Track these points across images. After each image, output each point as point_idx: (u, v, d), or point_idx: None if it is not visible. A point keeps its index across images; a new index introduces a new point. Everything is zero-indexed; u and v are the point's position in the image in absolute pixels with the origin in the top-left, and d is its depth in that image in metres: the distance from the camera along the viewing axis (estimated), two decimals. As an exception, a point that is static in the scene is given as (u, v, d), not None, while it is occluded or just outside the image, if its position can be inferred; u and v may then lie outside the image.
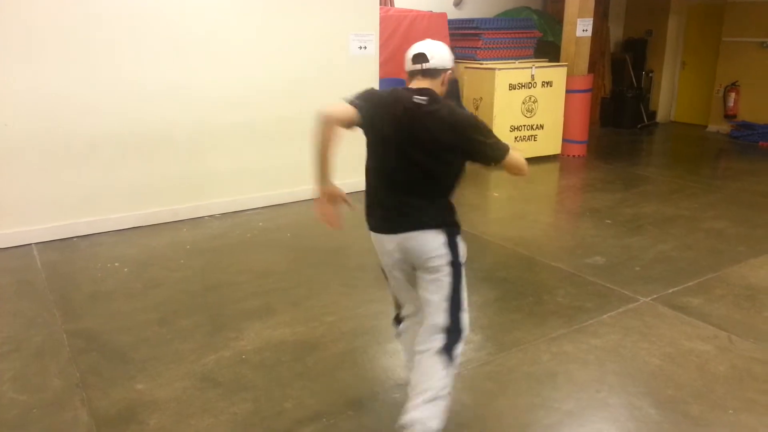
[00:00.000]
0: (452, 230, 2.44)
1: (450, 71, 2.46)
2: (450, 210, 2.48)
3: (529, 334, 3.42)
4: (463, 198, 6.24)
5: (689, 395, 2.87)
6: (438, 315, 2.39)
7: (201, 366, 3.11)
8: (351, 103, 2.35)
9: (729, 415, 2.73)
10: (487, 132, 2.35)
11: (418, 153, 2.32)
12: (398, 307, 2.67)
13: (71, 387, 2.95)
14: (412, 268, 2.46)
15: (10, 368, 3.10)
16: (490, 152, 2.37)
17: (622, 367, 3.10)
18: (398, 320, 2.71)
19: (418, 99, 2.32)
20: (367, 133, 2.42)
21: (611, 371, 3.06)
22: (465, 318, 2.48)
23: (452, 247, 2.42)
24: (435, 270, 2.40)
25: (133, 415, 2.74)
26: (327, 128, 2.31)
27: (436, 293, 2.40)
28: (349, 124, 2.33)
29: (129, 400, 2.84)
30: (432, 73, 2.39)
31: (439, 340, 2.38)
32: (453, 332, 2.40)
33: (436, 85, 2.40)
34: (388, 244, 2.43)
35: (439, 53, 2.40)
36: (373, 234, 2.48)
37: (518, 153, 2.37)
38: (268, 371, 3.07)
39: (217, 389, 2.92)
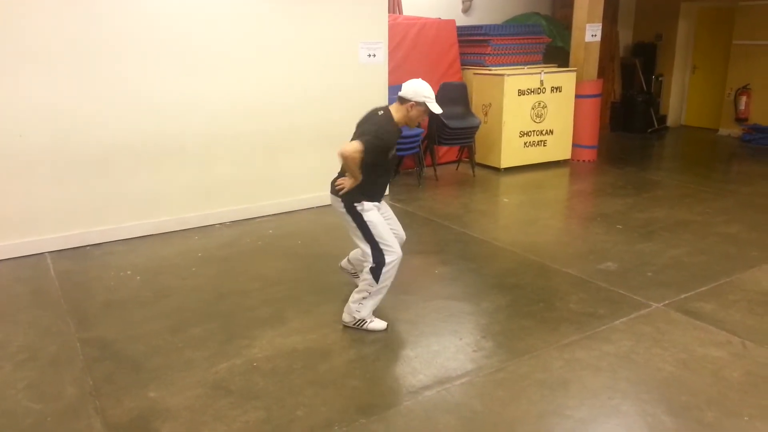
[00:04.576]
0: None
1: (413, 104, 3.39)
2: None
3: (540, 341, 3.41)
4: (473, 204, 6.24)
5: (703, 402, 2.84)
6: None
7: (213, 374, 3.13)
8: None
9: (744, 422, 2.71)
10: (366, 131, 3.37)
11: None
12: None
13: (85, 395, 2.97)
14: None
15: (25, 377, 3.13)
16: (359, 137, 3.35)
17: (635, 373, 3.08)
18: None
19: (381, 110, 3.49)
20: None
21: (624, 378, 3.04)
22: None
23: None
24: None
25: (146, 423, 2.75)
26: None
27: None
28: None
29: (142, 408, 2.86)
30: (400, 100, 3.44)
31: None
32: None
33: (401, 109, 3.43)
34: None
35: (406, 88, 3.41)
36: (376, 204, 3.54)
37: (353, 147, 3.28)
38: (279, 379, 3.08)
39: (229, 397, 2.93)
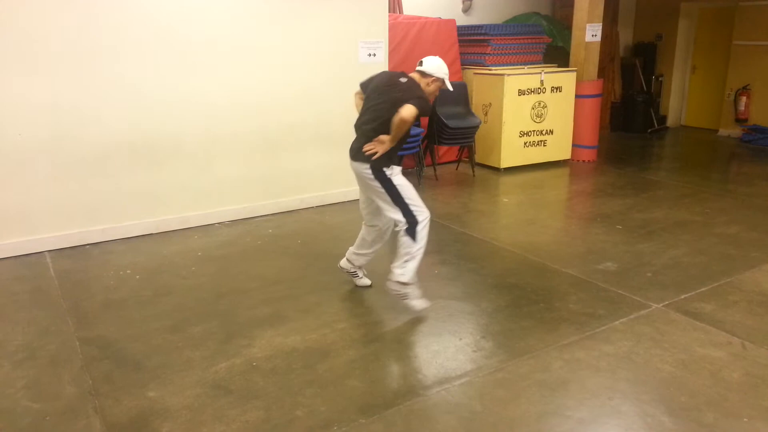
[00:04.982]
0: None
1: (436, 79, 3.63)
2: None
3: (540, 341, 3.41)
4: (472, 204, 6.24)
5: (703, 403, 2.84)
6: None
7: (212, 373, 3.13)
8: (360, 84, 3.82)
9: (744, 423, 2.71)
10: (408, 96, 3.47)
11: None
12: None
13: (84, 395, 2.97)
14: None
15: (24, 376, 3.13)
16: (402, 102, 3.42)
17: (634, 374, 3.08)
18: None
19: (401, 78, 3.64)
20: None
21: (624, 378, 3.04)
22: None
23: None
24: None
25: (145, 422, 2.75)
26: (354, 98, 3.84)
27: None
28: (361, 97, 3.78)
29: (141, 407, 2.86)
30: (421, 74, 3.65)
31: None
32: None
33: (422, 81, 3.62)
34: None
35: (430, 64, 3.64)
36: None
37: (412, 111, 3.39)
38: (279, 379, 3.08)
39: (229, 397, 2.93)
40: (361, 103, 3.78)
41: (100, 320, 3.74)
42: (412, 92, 3.52)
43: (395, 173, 3.59)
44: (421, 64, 3.67)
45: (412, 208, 3.57)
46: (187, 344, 3.42)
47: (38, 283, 4.31)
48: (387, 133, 3.50)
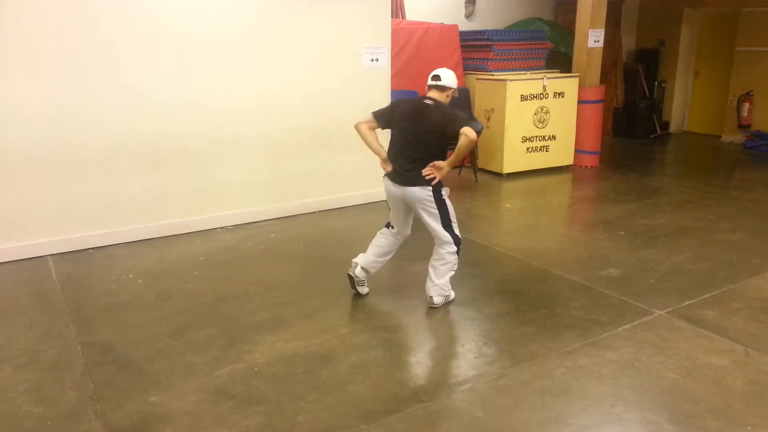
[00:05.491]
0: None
1: (453, 90, 3.77)
2: None
3: (542, 348, 3.40)
4: (475, 209, 6.24)
5: (706, 410, 2.83)
6: None
7: (214, 378, 3.12)
8: (374, 115, 3.84)
9: (747, 431, 2.69)
10: (456, 119, 3.63)
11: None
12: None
13: (85, 399, 2.96)
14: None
15: (26, 380, 3.13)
16: (454, 126, 3.56)
17: (637, 381, 3.07)
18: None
19: (427, 101, 3.72)
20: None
21: (626, 385, 3.03)
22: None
23: None
24: None
25: (146, 427, 2.74)
26: (359, 128, 3.82)
27: None
28: (372, 127, 3.83)
29: (143, 412, 2.85)
30: (440, 89, 3.74)
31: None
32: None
33: (442, 96, 3.74)
34: None
35: (447, 77, 3.74)
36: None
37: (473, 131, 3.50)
38: (281, 384, 3.07)
39: (230, 402, 2.92)
40: (367, 131, 3.79)
41: (102, 324, 3.74)
42: (446, 111, 3.66)
43: (446, 195, 3.74)
44: (438, 78, 3.72)
45: (453, 225, 3.77)
46: (189, 349, 3.42)
47: (40, 287, 4.31)
48: (438, 157, 3.66)
